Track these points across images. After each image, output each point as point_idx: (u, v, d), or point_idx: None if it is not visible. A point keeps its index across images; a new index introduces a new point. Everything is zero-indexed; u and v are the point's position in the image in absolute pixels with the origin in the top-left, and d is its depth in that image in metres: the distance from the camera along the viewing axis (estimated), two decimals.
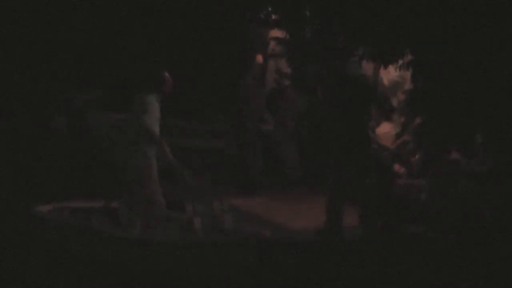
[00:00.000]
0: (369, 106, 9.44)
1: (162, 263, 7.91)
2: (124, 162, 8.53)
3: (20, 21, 11.44)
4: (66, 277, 7.84)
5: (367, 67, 11.24)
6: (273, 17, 11.67)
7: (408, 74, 10.90)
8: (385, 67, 10.78)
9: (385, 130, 10.45)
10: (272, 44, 11.91)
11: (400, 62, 10.28)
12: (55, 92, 11.48)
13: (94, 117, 11.23)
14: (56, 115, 11.35)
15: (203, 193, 9.33)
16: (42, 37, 11.51)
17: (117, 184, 8.70)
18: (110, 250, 8.20)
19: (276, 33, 11.85)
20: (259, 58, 11.45)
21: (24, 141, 11.01)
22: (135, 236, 8.21)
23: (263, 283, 7.63)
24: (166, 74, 8.58)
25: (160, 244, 7.95)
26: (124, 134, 8.65)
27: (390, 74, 11.12)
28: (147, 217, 8.48)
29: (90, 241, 8.35)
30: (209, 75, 11.99)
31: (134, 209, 8.51)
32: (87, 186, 10.26)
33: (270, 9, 11.46)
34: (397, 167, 9.95)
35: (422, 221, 9.10)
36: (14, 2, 11.45)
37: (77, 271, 8.05)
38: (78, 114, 11.20)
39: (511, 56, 9.20)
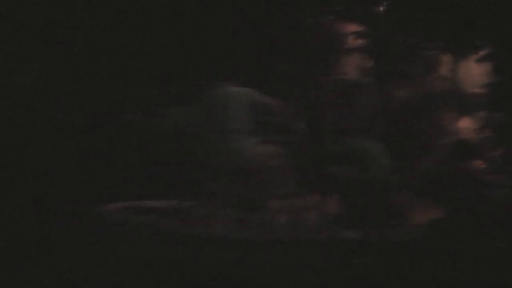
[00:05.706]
0: None
1: (242, 263, 7.71)
2: (203, 158, 8.36)
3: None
4: (137, 280, 7.77)
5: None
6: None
7: (487, 67, 10.65)
8: (463, 59, 10.54)
9: (466, 124, 10.17)
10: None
11: (481, 54, 10.05)
12: (129, 86, 11.41)
13: (169, 111, 11.10)
14: (130, 110, 11.29)
15: (285, 189, 9.16)
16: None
17: (191, 182, 8.58)
18: (185, 250, 8.03)
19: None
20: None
21: (91, 136, 10.94)
22: (212, 235, 8.00)
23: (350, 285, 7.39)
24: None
25: (240, 242, 7.75)
26: (203, 128, 8.59)
27: (469, 67, 10.88)
28: (222, 216, 8.32)
29: (162, 242, 8.19)
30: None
31: (210, 207, 8.35)
32: (158, 184, 10.10)
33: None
34: (477, 162, 9.70)
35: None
36: None
37: (149, 274, 7.92)
38: (153, 109, 11.11)
39: None
